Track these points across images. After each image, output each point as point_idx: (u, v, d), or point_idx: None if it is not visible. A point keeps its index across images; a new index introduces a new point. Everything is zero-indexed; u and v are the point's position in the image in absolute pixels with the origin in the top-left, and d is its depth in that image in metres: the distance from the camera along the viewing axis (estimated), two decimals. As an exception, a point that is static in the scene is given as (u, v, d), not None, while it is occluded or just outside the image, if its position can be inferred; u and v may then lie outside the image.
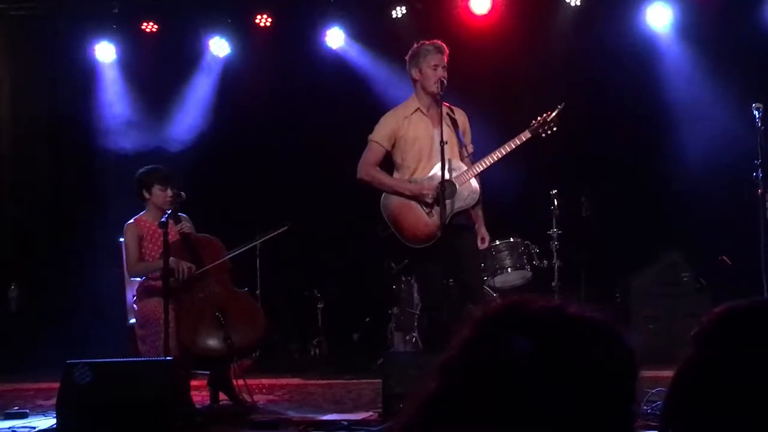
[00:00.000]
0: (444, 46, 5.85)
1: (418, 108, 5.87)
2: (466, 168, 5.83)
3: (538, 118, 5.98)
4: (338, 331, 8.58)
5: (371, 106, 7.41)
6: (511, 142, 5.86)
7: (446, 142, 5.62)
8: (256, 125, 9.10)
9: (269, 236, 6.56)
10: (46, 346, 7.85)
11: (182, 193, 5.99)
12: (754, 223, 6.36)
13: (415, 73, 5.87)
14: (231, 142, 9.11)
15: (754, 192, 6.36)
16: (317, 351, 8.40)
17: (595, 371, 1.20)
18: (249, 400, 5.98)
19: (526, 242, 7.44)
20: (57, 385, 5.21)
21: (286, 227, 6.44)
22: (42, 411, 5.99)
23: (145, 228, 6.20)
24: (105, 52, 9.20)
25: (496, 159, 5.82)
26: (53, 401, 5.32)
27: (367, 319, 8.55)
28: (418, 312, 7.24)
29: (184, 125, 9.19)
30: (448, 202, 5.64)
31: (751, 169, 6.35)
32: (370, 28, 9.09)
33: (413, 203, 5.78)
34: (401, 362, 5.57)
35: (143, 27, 9.15)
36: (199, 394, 6.18)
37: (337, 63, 9.09)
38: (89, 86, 9.31)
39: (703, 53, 8.48)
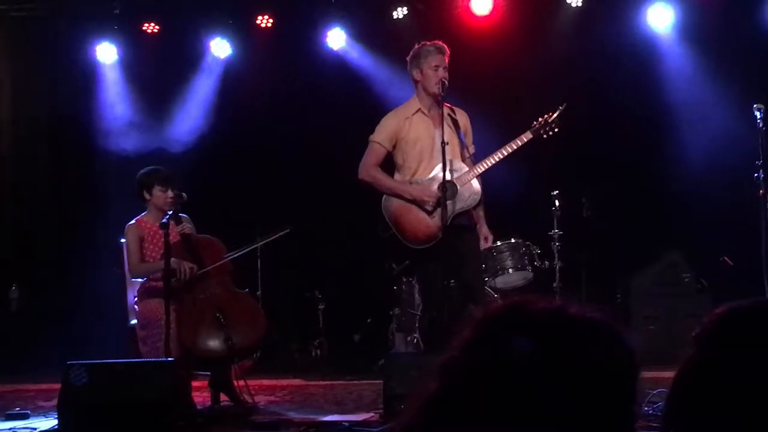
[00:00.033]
0: (445, 46, 5.85)
1: (419, 109, 5.87)
2: (467, 169, 5.83)
3: (540, 119, 5.99)
4: (339, 331, 8.57)
5: (372, 107, 7.41)
6: (512, 143, 5.86)
7: (447, 143, 5.62)
8: (257, 126, 9.10)
9: (270, 239, 6.55)
10: (46, 347, 7.85)
11: (183, 194, 6.00)
12: (755, 223, 6.36)
13: (416, 74, 5.87)
14: (232, 143, 9.11)
15: (755, 192, 6.35)
16: (318, 352, 8.40)
17: (595, 372, 1.20)
18: (250, 400, 5.98)
19: (527, 243, 7.43)
20: (58, 385, 5.21)
21: (287, 230, 6.44)
22: (43, 412, 5.99)
23: (146, 229, 6.21)
24: (106, 52, 9.20)
25: (497, 160, 5.82)
26: (54, 402, 5.33)
27: (368, 320, 8.54)
28: (419, 313, 7.23)
29: (185, 126, 9.19)
30: (449, 203, 5.63)
31: (752, 169, 6.35)
32: (371, 29, 9.09)
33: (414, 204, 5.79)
34: (402, 363, 5.57)
35: (144, 28, 9.16)
36: (200, 395, 6.19)
37: (338, 64, 9.09)
38: (90, 87, 9.31)
39: (704, 54, 8.48)
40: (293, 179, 8.92)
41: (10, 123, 9.45)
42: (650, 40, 8.67)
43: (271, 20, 9.09)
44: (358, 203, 6.79)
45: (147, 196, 6.24)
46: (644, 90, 8.54)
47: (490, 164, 5.82)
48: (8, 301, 8.92)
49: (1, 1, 9.00)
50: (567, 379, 1.18)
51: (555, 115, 5.99)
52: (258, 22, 9.09)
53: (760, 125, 6.25)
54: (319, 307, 8.50)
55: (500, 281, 7.34)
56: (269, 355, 7.89)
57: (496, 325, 1.25)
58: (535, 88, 8.25)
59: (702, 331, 1.37)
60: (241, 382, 5.96)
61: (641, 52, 8.62)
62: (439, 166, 5.63)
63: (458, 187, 5.73)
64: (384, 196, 5.87)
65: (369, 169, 5.89)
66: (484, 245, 6.08)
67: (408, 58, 5.92)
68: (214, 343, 5.87)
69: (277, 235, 6.48)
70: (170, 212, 5.88)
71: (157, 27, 9.16)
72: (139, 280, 6.25)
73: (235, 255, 6.29)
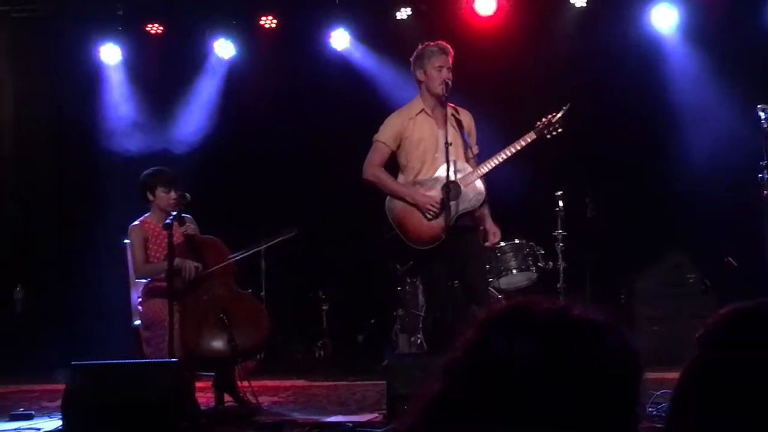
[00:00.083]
0: (449, 47, 5.85)
1: (423, 109, 5.87)
2: (471, 169, 5.82)
3: (543, 120, 5.98)
4: (343, 332, 8.57)
5: (376, 108, 7.40)
6: (516, 144, 5.86)
7: (451, 144, 5.62)
8: (261, 127, 9.10)
9: (275, 241, 6.55)
10: (51, 348, 7.86)
11: (187, 194, 6.00)
12: (760, 224, 6.35)
13: (419, 75, 5.87)
14: (236, 144, 9.11)
15: (760, 193, 6.35)
16: (322, 352, 8.40)
17: (599, 373, 1.20)
18: (253, 401, 5.98)
19: (531, 244, 7.43)
20: (62, 386, 5.22)
21: (293, 233, 6.43)
22: (47, 412, 6.00)
23: (150, 230, 6.21)
24: (110, 53, 9.19)
25: (501, 160, 5.82)
26: (58, 403, 5.34)
27: (372, 321, 8.54)
28: (422, 313, 7.23)
29: (189, 127, 9.19)
30: (453, 203, 5.63)
31: (756, 170, 6.34)
32: (375, 30, 9.08)
33: (417, 205, 5.80)
34: (406, 364, 5.57)
35: (148, 29, 9.15)
36: (204, 396, 6.19)
37: (342, 64, 9.08)
38: (94, 88, 9.31)
39: (708, 54, 8.46)
40: (297, 180, 8.92)
41: (12, 124, 9.45)
42: (654, 40, 8.66)
43: (274, 21, 9.09)
44: (361, 204, 6.79)
45: (150, 197, 6.25)
46: (648, 90, 8.53)
47: (493, 165, 5.81)
48: (13, 302, 8.93)
49: (3, 1, 9.00)
50: (571, 380, 1.18)
51: (559, 115, 5.99)
52: (262, 22, 9.09)
53: (764, 126, 6.24)
54: (323, 307, 8.50)
55: (504, 282, 7.33)
56: (273, 355, 7.90)
57: (499, 326, 1.25)
58: (539, 89, 8.25)
59: (706, 332, 1.36)
60: (245, 383, 5.96)
61: (645, 53, 8.61)
62: (443, 166, 5.63)
63: (462, 188, 5.72)
64: (388, 197, 5.87)
65: (373, 168, 5.89)
66: (492, 240, 6.05)
67: (412, 59, 5.92)
68: (217, 344, 5.88)
69: (282, 238, 6.48)
70: (174, 213, 5.88)
71: (160, 28, 9.16)
72: (143, 280, 6.25)
73: (240, 256, 6.30)
